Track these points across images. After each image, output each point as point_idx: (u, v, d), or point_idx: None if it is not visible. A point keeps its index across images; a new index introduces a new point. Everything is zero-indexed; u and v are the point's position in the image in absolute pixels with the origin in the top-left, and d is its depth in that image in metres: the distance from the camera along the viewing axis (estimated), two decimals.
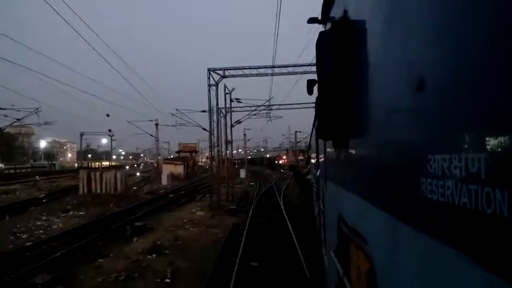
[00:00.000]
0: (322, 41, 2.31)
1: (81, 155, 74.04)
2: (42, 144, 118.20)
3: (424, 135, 0.99)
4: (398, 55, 1.23)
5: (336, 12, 2.55)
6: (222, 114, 29.63)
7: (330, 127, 2.19)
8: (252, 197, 26.48)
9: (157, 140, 39.99)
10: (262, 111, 29.25)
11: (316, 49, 2.37)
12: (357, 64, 1.86)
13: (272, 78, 22.49)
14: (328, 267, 3.21)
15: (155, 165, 50.77)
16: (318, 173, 5.15)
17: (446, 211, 0.83)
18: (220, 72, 21.51)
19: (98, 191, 25.96)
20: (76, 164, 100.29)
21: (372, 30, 1.61)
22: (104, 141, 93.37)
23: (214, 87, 21.50)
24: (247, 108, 27.86)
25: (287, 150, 78.90)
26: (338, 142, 2.34)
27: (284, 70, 21.83)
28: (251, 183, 43.15)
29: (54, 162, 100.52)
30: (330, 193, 2.92)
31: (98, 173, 26.22)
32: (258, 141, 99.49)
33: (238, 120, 26.89)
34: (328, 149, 3.05)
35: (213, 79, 21.52)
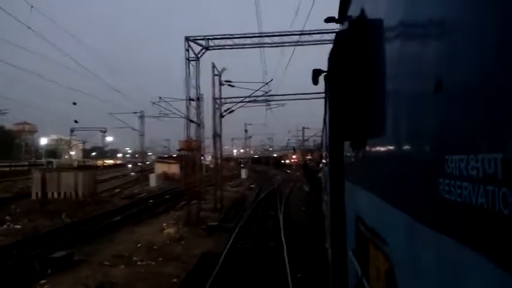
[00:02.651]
0: (339, 40, 2.35)
1: (69, 152, 69.51)
2: (43, 141, 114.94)
3: (442, 136, 0.99)
4: (416, 55, 1.22)
5: (353, 11, 2.56)
6: (217, 105, 24.51)
7: (347, 128, 2.20)
8: (247, 206, 21.21)
9: (142, 135, 34.84)
10: (260, 97, 23.80)
11: (334, 48, 2.48)
12: (374, 64, 1.85)
13: (263, 51, 17.16)
14: (333, 260, 3.22)
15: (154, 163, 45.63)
16: (327, 169, 5.09)
17: (464, 212, 0.83)
18: (202, 42, 16.33)
19: (55, 195, 20.88)
20: (76, 162, 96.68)
21: (390, 29, 1.60)
22: (110, 138, 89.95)
23: (194, 63, 16.29)
24: (242, 94, 22.50)
25: (294, 148, 73.59)
26: (356, 143, 2.33)
27: (286, 39, 16.49)
28: (251, 186, 38.06)
29: (51, 160, 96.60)
30: (347, 193, 2.84)
31: (54, 175, 21.11)
32: (263, 140, 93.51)
33: (229, 109, 21.62)
34: (345, 149, 2.98)
35: (193, 52, 16.32)
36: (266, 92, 22.47)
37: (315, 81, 3.62)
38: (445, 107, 0.95)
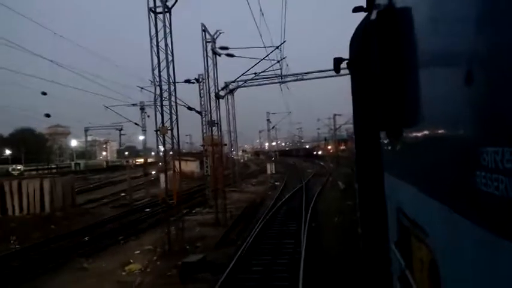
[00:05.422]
0: (368, 30, 2.38)
1: (79, 151, 67.28)
2: (73, 143, 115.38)
3: (477, 127, 0.99)
4: (448, 44, 1.20)
5: (382, 0, 2.50)
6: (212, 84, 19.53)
7: (384, 118, 2.20)
8: (261, 215, 15.91)
9: (144, 130, 30.19)
10: (269, 72, 18.12)
11: (362, 38, 2.52)
12: (405, 54, 1.84)
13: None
14: (375, 253, 3.12)
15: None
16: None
17: (499, 204, 0.84)
18: None
19: (17, 211, 16.42)
20: (105, 163, 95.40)
21: (419, 19, 1.57)
22: (142, 137, 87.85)
23: (162, 16, 11.08)
24: (244, 67, 16.98)
25: (325, 138, 67.58)
26: (392, 133, 2.32)
27: None
28: (276, 183, 32.78)
29: (78, 161, 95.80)
30: (387, 184, 2.73)
31: (15, 184, 16.63)
32: (290, 130, 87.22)
33: (229, 87, 16.26)
34: (381, 139, 2.90)
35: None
36: (278, 61, 16.97)
37: (337, 70, 3.61)
38: (478, 98, 0.95)
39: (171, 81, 10.88)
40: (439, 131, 1.35)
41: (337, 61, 3.58)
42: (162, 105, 11.14)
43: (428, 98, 1.49)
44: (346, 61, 3.52)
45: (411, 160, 1.86)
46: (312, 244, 10.51)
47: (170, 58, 10.82)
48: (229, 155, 41.73)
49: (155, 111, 11.19)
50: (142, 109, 29.19)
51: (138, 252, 11.61)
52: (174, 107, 11.26)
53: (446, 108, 1.23)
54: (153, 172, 49.58)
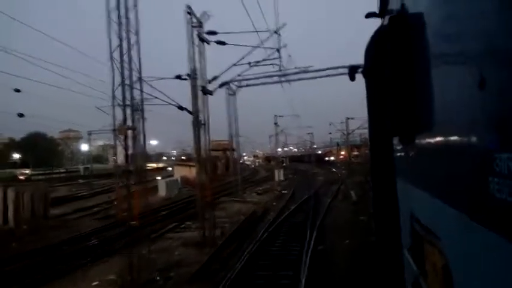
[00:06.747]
0: (381, 36, 2.40)
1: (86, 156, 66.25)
2: (84, 147, 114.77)
3: (489, 133, 0.98)
4: (460, 50, 1.21)
5: (394, 5, 2.53)
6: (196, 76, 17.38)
7: (397, 123, 2.18)
8: (260, 232, 13.43)
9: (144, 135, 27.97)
10: (267, 61, 15.70)
11: (375, 45, 2.50)
12: (417, 59, 1.85)
13: None
14: (388, 259, 3.05)
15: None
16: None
17: None
18: None
19: None
20: (113, 167, 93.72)
21: (432, 23, 1.57)
22: (154, 142, 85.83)
23: None
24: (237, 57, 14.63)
25: (337, 144, 64.77)
26: (405, 139, 2.33)
27: None
28: (283, 191, 30.34)
29: (87, 166, 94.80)
30: (400, 190, 2.71)
31: None
32: (301, 135, 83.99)
33: (216, 78, 13.87)
34: (394, 145, 2.92)
35: None
36: (278, 49, 14.57)
37: (352, 78, 3.67)
38: (492, 103, 0.94)
39: (133, 66, 8.64)
40: (452, 137, 1.34)
41: (352, 69, 3.77)
42: (124, 97, 8.94)
43: (441, 103, 1.47)
44: (361, 69, 3.23)
45: (424, 166, 1.85)
46: (315, 277, 8.01)
47: (135, 38, 8.62)
48: (239, 160, 39.56)
49: (113, 107, 8.99)
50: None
51: (96, 283, 9.27)
52: (140, 101, 9.01)
53: (459, 113, 1.22)
54: (159, 178, 47.54)
